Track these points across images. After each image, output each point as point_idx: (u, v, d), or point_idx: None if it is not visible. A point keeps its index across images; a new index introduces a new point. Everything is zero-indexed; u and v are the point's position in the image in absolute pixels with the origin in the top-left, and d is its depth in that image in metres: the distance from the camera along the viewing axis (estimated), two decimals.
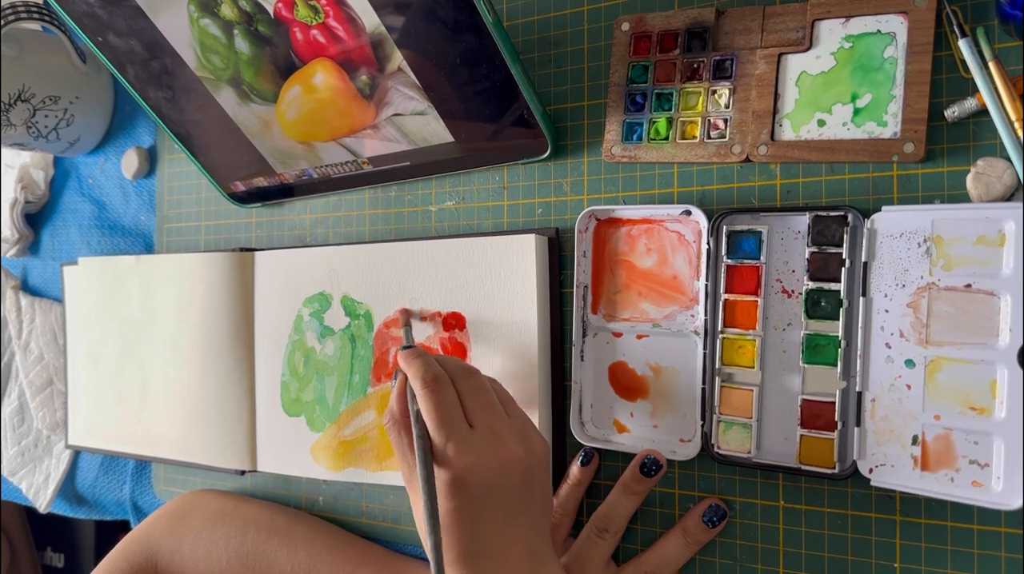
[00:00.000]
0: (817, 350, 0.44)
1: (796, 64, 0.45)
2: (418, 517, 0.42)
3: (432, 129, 0.53)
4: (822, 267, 0.43)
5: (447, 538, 0.40)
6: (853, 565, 0.43)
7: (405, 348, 0.47)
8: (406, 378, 0.45)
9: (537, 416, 0.51)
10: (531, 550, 0.42)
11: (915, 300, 0.41)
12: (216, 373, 0.64)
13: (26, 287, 0.85)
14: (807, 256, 0.44)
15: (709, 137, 0.47)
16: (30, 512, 1.10)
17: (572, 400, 0.50)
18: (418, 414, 0.42)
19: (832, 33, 0.44)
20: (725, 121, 0.47)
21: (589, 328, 0.51)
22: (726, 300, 0.46)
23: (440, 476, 0.41)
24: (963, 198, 0.41)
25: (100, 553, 1.10)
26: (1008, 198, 0.40)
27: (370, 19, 0.48)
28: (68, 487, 0.81)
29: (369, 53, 0.50)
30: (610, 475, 0.51)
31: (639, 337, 0.49)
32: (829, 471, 0.43)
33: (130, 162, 0.75)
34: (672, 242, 0.48)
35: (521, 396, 0.51)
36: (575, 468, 0.50)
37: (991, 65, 0.40)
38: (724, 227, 0.46)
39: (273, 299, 0.63)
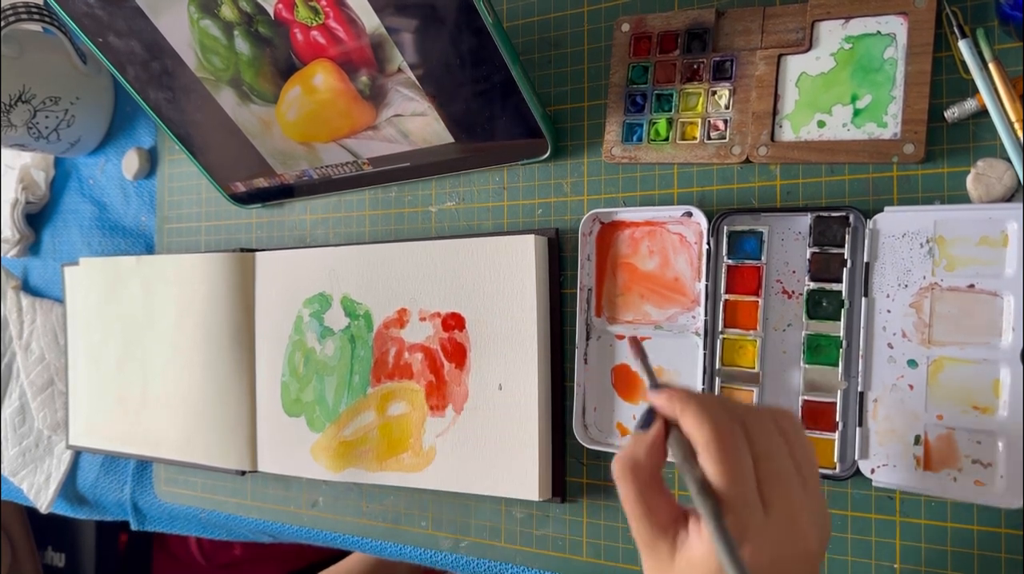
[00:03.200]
0: (818, 350, 0.44)
1: (796, 65, 0.45)
2: None
3: (432, 130, 0.53)
4: (824, 268, 0.43)
5: None
6: (853, 565, 0.43)
7: (655, 386, 0.36)
8: (666, 427, 0.35)
9: (537, 417, 0.51)
10: None
11: (917, 300, 0.41)
12: (216, 373, 0.64)
13: (27, 287, 0.85)
14: (808, 257, 0.44)
15: (709, 138, 0.47)
16: (31, 512, 1.10)
17: (575, 403, 0.50)
18: (703, 479, 0.33)
19: (832, 34, 0.44)
20: (725, 122, 0.47)
21: (593, 331, 0.51)
22: (726, 300, 0.46)
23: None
24: (963, 199, 0.41)
25: (100, 553, 1.10)
26: (1008, 199, 0.40)
27: (370, 20, 0.48)
28: (69, 487, 0.81)
29: (369, 54, 0.50)
30: (611, 477, 0.51)
31: (642, 339, 0.49)
32: (830, 471, 0.43)
33: (131, 163, 0.75)
34: (674, 244, 0.48)
35: (521, 397, 0.51)
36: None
37: (991, 66, 0.40)
38: (724, 227, 0.46)
39: (273, 299, 0.63)
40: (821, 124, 0.45)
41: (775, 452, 0.34)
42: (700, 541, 0.33)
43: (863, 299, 0.43)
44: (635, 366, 0.45)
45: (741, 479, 0.32)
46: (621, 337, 0.50)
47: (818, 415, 0.43)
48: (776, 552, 0.32)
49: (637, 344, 0.42)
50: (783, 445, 0.34)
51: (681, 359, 0.48)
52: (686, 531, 0.34)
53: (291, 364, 0.62)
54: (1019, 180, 0.40)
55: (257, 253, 0.64)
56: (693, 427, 0.34)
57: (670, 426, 0.35)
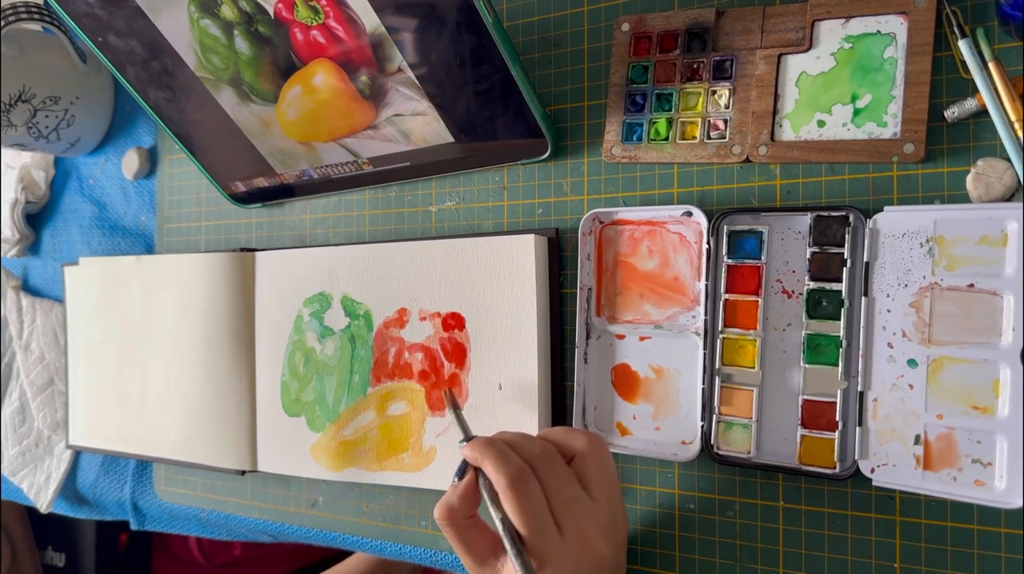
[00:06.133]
0: (818, 350, 0.44)
1: (796, 64, 0.45)
2: None
3: (432, 129, 0.53)
4: (824, 267, 0.43)
5: None
6: (853, 565, 0.43)
7: (465, 439, 0.44)
8: (476, 475, 0.42)
9: (537, 417, 0.51)
10: None
11: (917, 300, 0.41)
12: (216, 373, 0.64)
13: (27, 287, 0.85)
14: (808, 256, 0.44)
15: (709, 137, 0.47)
16: (31, 512, 1.10)
17: (575, 403, 0.50)
18: (504, 519, 0.40)
19: (832, 34, 0.44)
20: (725, 121, 0.47)
21: (593, 330, 0.51)
22: (726, 300, 0.46)
23: None
24: (963, 198, 0.41)
25: (100, 553, 1.10)
26: (1008, 198, 0.40)
27: (370, 20, 0.48)
28: (69, 487, 0.81)
29: (369, 54, 0.50)
30: None
31: (641, 339, 0.49)
32: (829, 471, 0.43)
33: (130, 162, 0.75)
34: (674, 244, 0.48)
35: (521, 397, 0.51)
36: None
37: (991, 66, 0.40)
38: (724, 227, 0.46)
39: (273, 299, 0.63)
40: (821, 124, 0.45)
41: (562, 483, 0.41)
42: (511, 567, 0.40)
43: (863, 299, 0.43)
44: (450, 417, 0.52)
45: (534, 515, 0.39)
46: (621, 337, 0.50)
47: (818, 415, 0.43)
48: (574, 566, 0.39)
49: (451, 396, 0.52)
50: (569, 475, 0.41)
51: (681, 359, 0.48)
52: (505, 557, 0.41)
53: (291, 364, 0.62)
54: (1019, 179, 0.40)
55: (257, 253, 0.64)
56: (491, 475, 0.41)
57: (480, 473, 0.42)
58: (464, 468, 0.43)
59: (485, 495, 0.41)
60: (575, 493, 0.41)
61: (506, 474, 0.40)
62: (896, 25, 0.43)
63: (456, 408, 0.50)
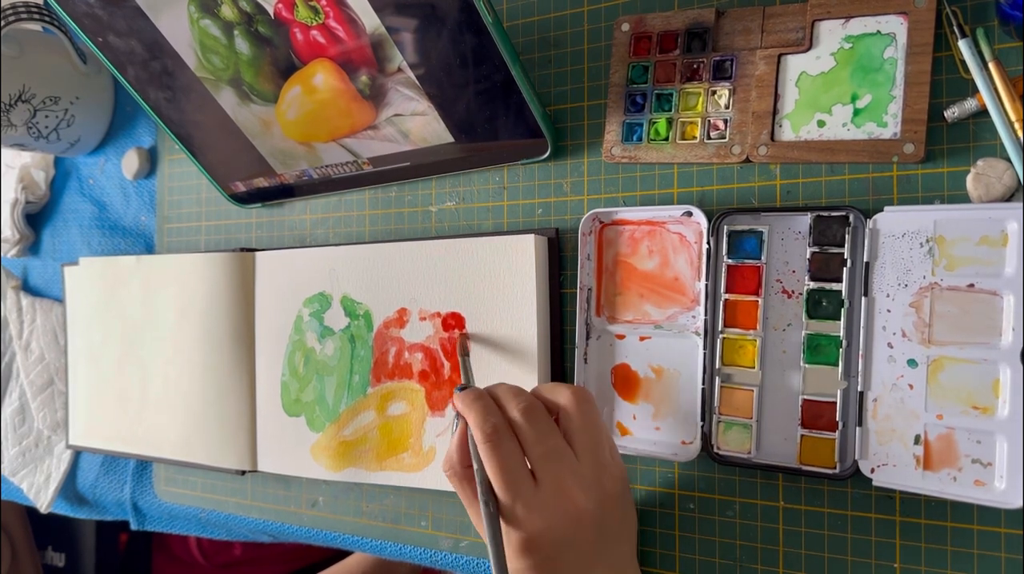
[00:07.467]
0: (818, 350, 0.44)
1: (796, 65, 0.45)
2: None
3: (432, 129, 0.53)
4: (824, 267, 0.43)
5: None
6: (853, 565, 0.43)
7: (462, 388, 0.45)
8: (467, 425, 0.43)
9: None
10: None
11: (917, 300, 0.41)
12: (216, 373, 0.64)
13: (27, 287, 0.85)
14: (808, 256, 0.44)
15: (709, 138, 0.47)
16: (31, 512, 1.10)
17: None
18: (481, 467, 0.42)
19: (832, 34, 0.44)
20: (725, 122, 0.47)
21: (592, 331, 0.51)
22: (726, 300, 0.46)
23: (510, 536, 0.40)
24: (963, 199, 0.41)
25: (100, 553, 1.10)
26: (1008, 198, 0.40)
27: (370, 20, 0.48)
28: (69, 487, 0.81)
29: (369, 54, 0.50)
30: None
31: (641, 339, 0.49)
32: (830, 471, 0.43)
33: (130, 162, 0.75)
34: (674, 244, 0.48)
35: None
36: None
37: (991, 66, 0.40)
38: (724, 227, 0.46)
39: (273, 299, 0.63)
40: (821, 124, 0.45)
41: (542, 437, 0.41)
42: None
43: (863, 299, 0.43)
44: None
45: (505, 470, 0.40)
46: (621, 337, 0.50)
47: (818, 415, 0.43)
48: (547, 518, 0.40)
49: (463, 343, 0.52)
50: (551, 429, 0.42)
51: (681, 359, 0.48)
52: None
53: (291, 364, 0.62)
54: (1019, 180, 0.40)
55: (257, 253, 0.64)
56: (472, 428, 0.42)
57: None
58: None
59: (471, 443, 0.43)
60: (555, 446, 0.41)
61: (482, 430, 0.41)
62: (896, 25, 0.43)
63: (465, 355, 0.51)
